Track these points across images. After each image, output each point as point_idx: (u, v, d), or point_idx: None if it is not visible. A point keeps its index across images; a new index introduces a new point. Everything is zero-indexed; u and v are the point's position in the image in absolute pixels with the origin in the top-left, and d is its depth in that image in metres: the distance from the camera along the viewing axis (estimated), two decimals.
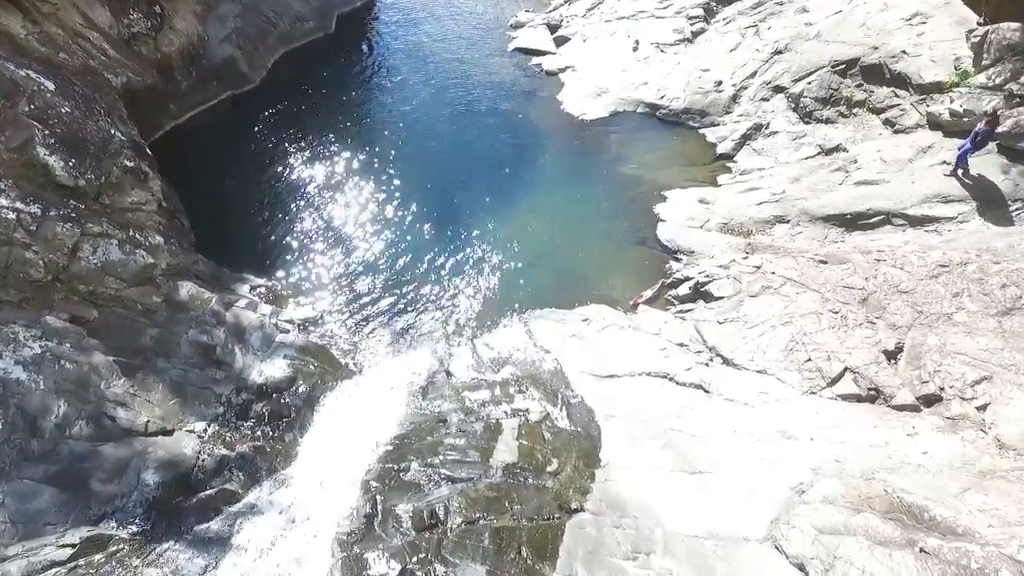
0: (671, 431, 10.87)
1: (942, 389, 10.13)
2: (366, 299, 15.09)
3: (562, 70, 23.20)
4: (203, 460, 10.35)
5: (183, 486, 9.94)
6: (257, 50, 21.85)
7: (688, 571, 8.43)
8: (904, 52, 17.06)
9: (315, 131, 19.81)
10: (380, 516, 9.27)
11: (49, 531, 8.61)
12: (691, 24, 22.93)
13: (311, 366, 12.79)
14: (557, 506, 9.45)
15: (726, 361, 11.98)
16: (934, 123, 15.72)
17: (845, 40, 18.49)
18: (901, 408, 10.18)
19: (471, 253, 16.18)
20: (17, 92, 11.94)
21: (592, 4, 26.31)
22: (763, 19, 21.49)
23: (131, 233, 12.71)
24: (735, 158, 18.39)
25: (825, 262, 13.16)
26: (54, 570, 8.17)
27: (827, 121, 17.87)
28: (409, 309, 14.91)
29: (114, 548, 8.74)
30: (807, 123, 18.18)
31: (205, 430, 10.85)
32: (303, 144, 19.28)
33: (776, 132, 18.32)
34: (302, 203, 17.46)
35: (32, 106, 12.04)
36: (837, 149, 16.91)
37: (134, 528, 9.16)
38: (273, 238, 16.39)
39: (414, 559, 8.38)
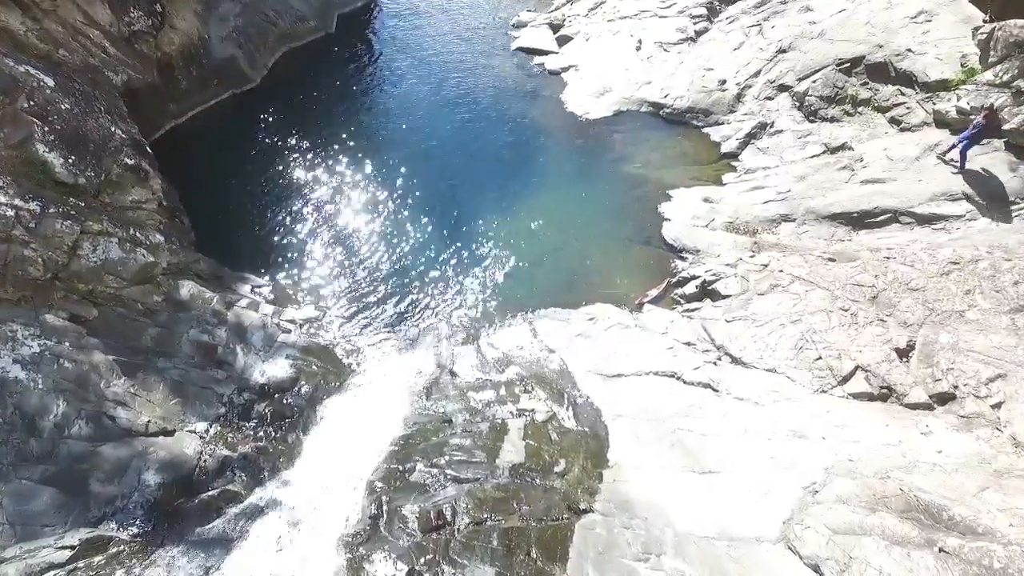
0: (680, 431, 10.72)
1: (956, 387, 9.98)
2: (369, 299, 14.94)
3: (565, 69, 23.07)
4: (205, 461, 10.18)
5: (184, 487, 9.78)
6: (258, 49, 21.72)
7: (700, 572, 8.28)
8: (909, 50, 16.96)
9: (316, 131, 19.67)
10: (386, 517, 9.12)
11: (48, 532, 8.44)
12: (694, 23, 22.84)
13: (314, 366, 12.64)
14: (566, 507, 9.29)
15: (735, 360, 11.82)
16: (940, 121, 15.61)
17: (850, 38, 18.38)
18: (914, 407, 10.03)
19: (475, 252, 16.03)
20: (16, 88, 11.79)
21: (594, 3, 26.20)
22: (766, 18, 21.40)
23: (131, 231, 12.55)
24: (740, 157, 18.26)
25: (834, 260, 13.02)
26: (53, 572, 8.00)
27: (832, 120, 17.76)
28: (412, 309, 14.76)
29: (114, 550, 8.57)
30: (812, 122, 18.07)
31: (207, 430, 10.69)
32: (304, 144, 19.14)
33: (781, 131, 18.20)
34: (303, 203, 17.32)
35: (31, 102, 11.89)
36: (843, 148, 16.79)
37: (135, 529, 8.99)
38: (274, 238, 16.24)
39: (421, 560, 8.22)
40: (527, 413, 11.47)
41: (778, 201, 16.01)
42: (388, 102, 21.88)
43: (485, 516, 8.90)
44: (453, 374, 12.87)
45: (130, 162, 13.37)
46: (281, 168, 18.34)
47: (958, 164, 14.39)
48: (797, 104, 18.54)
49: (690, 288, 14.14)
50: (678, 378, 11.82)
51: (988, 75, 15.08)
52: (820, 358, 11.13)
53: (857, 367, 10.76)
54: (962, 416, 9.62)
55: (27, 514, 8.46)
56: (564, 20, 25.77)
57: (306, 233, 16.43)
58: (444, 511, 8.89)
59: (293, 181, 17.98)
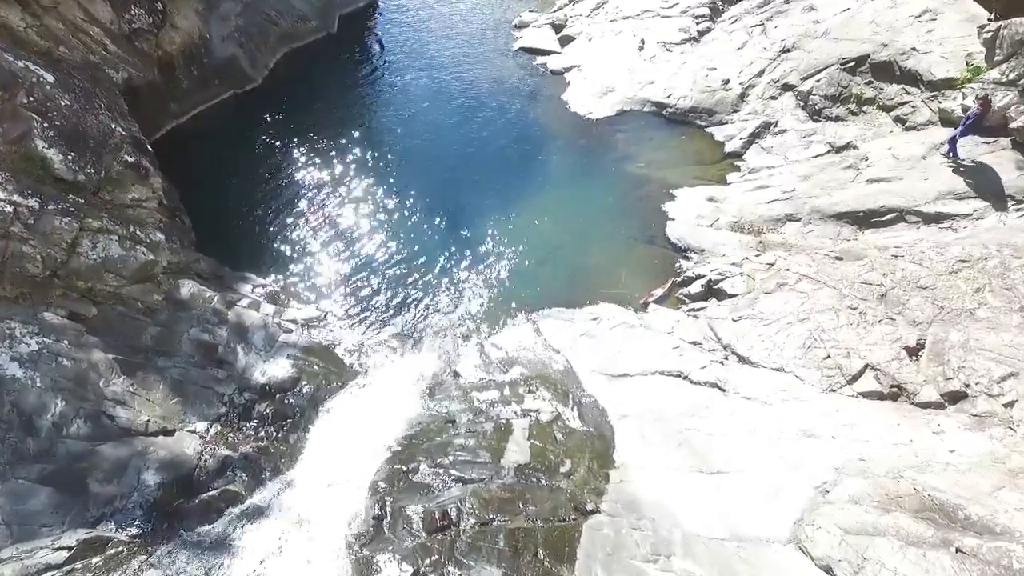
0: (687, 430, 10.58)
1: (967, 386, 9.84)
2: (371, 299, 14.79)
3: (567, 69, 22.99)
4: (205, 461, 10.02)
5: (185, 487, 9.61)
6: (259, 49, 21.64)
7: (710, 573, 8.13)
8: (914, 49, 16.87)
9: (318, 131, 19.56)
10: (389, 518, 8.96)
11: (45, 533, 8.28)
12: (697, 23, 22.79)
13: (315, 366, 12.49)
14: (572, 507, 9.13)
15: (742, 359, 11.68)
16: (946, 120, 15.49)
17: (854, 37, 18.31)
18: (925, 406, 9.88)
19: (478, 252, 15.89)
20: (15, 83, 11.67)
21: (597, 4, 26.16)
22: (770, 18, 21.34)
23: (131, 229, 12.41)
24: (744, 156, 18.15)
25: (841, 258, 12.90)
26: (50, 573, 7.83)
27: (837, 119, 17.66)
28: (415, 309, 14.61)
29: (113, 550, 8.40)
30: (816, 121, 17.97)
31: (207, 430, 10.53)
32: (306, 144, 19.02)
33: (785, 130, 18.10)
34: (305, 203, 17.19)
35: (31, 98, 11.76)
36: (848, 147, 16.69)
37: (134, 530, 8.83)
38: (276, 238, 16.11)
39: (426, 561, 8.06)
40: (532, 413, 11.31)
41: (783, 200, 15.90)
42: (390, 103, 21.78)
43: (491, 516, 8.73)
44: (456, 374, 12.71)
45: (130, 159, 13.24)
46: (282, 169, 18.23)
47: (953, 155, 14.38)
48: (801, 103, 18.45)
49: (695, 287, 14.00)
50: (684, 378, 11.67)
51: (994, 73, 14.97)
52: (829, 357, 10.98)
53: (866, 366, 10.62)
54: (974, 415, 9.47)
55: (24, 514, 8.29)
56: (566, 20, 25.72)
57: (308, 233, 16.29)
58: (449, 511, 8.73)
59: (295, 182, 17.86)
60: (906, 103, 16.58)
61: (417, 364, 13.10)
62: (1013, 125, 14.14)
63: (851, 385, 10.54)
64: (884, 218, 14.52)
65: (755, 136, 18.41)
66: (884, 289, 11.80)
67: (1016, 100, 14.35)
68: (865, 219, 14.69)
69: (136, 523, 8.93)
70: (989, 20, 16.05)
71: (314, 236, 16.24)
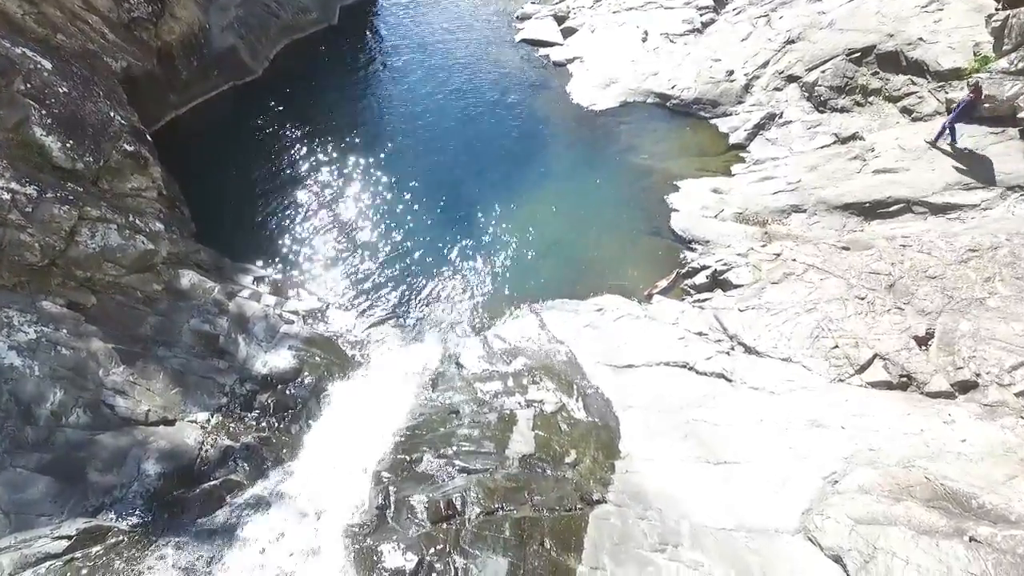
0: (693, 421, 10.45)
1: (978, 375, 9.72)
2: (373, 290, 14.66)
3: (570, 61, 22.81)
4: (206, 451, 9.89)
5: (185, 477, 9.47)
6: (259, 40, 21.44)
7: (719, 564, 8.00)
8: (921, 39, 16.75)
9: (318, 122, 19.39)
10: (393, 508, 8.84)
11: (44, 522, 8.14)
12: (701, 14, 22.61)
13: (317, 357, 12.37)
14: (578, 497, 9.00)
15: (748, 349, 11.55)
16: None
17: (860, 28, 18.17)
18: (935, 395, 9.76)
19: (481, 244, 15.76)
20: (13, 70, 11.51)
21: None
22: (774, 8, 21.17)
23: (131, 219, 12.27)
24: (748, 148, 18.02)
25: (848, 248, 12.77)
26: (49, 563, 7.70)
27: (842, 110, 17.53)
28: (417, 300, 14.49)
29: (113, 540, 8.27)
30: (822, 112, 17.83)
31: (208, 420, 10.40)
32: (306, 135, 18.86)
33: (790, 121, 17.96)
34: (305, 194, 17.03)
35: (28, 85, 11.61)
36: (853, 138, 16.55)
37: (134, 520, 8.68)
38: (276, 229, 15.96)
39: (431, 551, 7.93)
40: (536, 404, 11.18)
41: (788, 191, 15.76)
42: (391, 94, 21.60)
43: (496, 506, 8.60)
44: (460, 365, 12.58)
45: (129, 148, 13.09)
46: (283, 160, 18.07)
47: (949, 142, 14.49)
48: (806, 94, 18.30)
49: (700, 278, 13.88)
50: (690, 368, 11.54)
51: (1002, 63, 14.84)
52: (837, 347, 10.86)
53: (875, 355, 10.49)
54: (985, 404, 9.34)
55: (22, 503, 8.16)
56: (569, 12, 25.53)
57: (309, 224, 16.15)
58: (454, 501, 8.61)
59: (295, 173, 17.70)
60: (912, 94, 16.45)
61: (420, 355, 12.99)
62: (1022, 115, 14.00)
63: (860, 375, 10.41)
64: (891, 209, 14.40)
65: (760, 127, 18.26)
66: (892, 279, 11.67)
67: None
68: (872, 210, 14.56)
69: (136, 513, 8.79)
70: (997, 9, 15.91)
71: (315, 227, 16.09)
